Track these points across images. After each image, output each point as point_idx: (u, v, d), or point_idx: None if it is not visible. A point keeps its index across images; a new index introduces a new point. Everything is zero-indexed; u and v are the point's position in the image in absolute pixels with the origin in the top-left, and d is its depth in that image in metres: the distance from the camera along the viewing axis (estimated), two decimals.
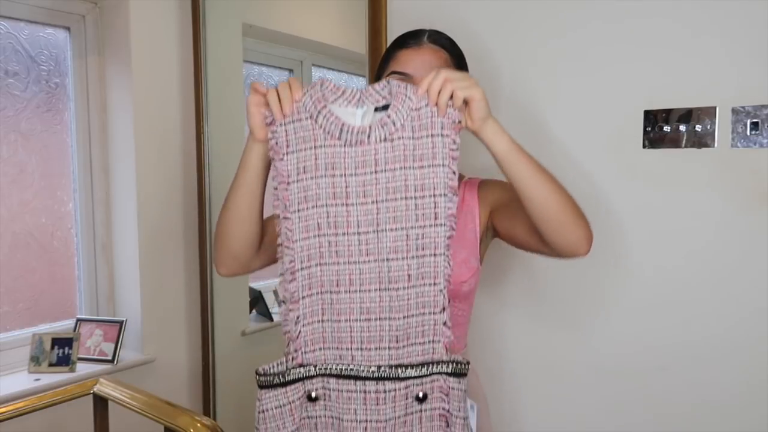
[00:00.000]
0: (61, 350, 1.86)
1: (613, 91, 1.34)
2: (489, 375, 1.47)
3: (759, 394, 1.22)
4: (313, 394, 0.96)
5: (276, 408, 0.96)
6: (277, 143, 0.95)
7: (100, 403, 1.41)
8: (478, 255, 1.14)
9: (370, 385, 0.94)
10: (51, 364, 1.84)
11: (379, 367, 0.95)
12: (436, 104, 0.92)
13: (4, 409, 1.32)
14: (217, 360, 2.10)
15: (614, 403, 1.38)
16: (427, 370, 0.95)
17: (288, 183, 0.95)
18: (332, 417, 0.97)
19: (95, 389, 1.40)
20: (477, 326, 1.49)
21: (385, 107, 0.94)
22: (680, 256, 1.29)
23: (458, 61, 1.15)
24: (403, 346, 0.95)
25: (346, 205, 0.94)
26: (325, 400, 0.97)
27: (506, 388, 1.52)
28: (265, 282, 2.32)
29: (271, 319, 2.28)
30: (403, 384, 0.95)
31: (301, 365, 0.96)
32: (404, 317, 0.95)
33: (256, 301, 2.28)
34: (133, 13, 1.93)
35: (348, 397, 0.95)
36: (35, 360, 1.84)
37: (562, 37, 1.39)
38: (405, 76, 1.08)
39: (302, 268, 0.95)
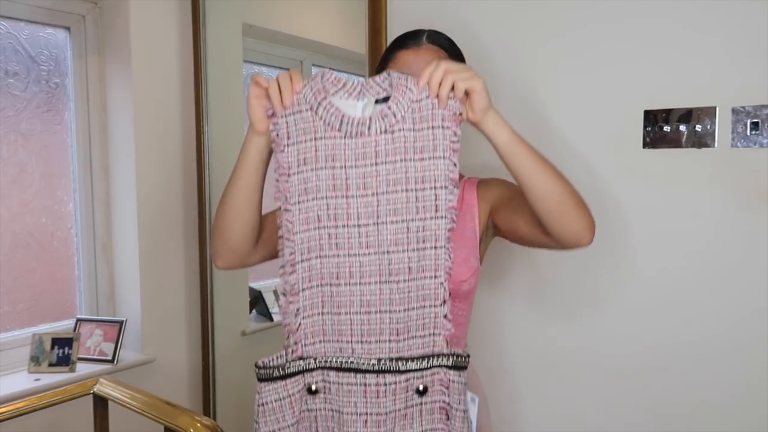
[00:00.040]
0: (61, 350, 1.86)
1: (613, 91, 1.34)
2: (489, 375, 1.47)
3: (759, 394, 1.22)
4: (313, 387, 0.96)
5: (276, 401, 0.96)
6: (278, 135, 0.95)
7: (100, 403, 1.41)
8: (477, 254, 1.14)
9: (371, 378, 0.94)
10: (51, 364, 1.84)
11: (379, 359, 0.94)
12: (437, 96, 0.91)
13: (4, 409, 1.32)
14: (217, 360, 2.10)
15: (614, 403, 1.38)
16: (428, 363, 0.94)
17: (289, 175, 0.95)
18: (332, 410, 0.97)
19: (95, 389, 1.40)
20: (477, 326, 1.49)
21: (386, 99, 0.94)
22: (680, 256, 1.29)
23: (457, 61, 1.15)
24: (404, 339, 0.95)
25: (346, 197, 0.94)
26: (325, 393, 0.97)
27: (506, 388, 1.52)
28: (265, 282, 2.32)
29: (271, 319, 2.28)
30: (403, 377, 0.94)
31: (301, 358, 0.96)
32: (405, 310, 0.94)
33: (256, 301, 2.28)
34: (133, 13, 1.93)
35: (348, 390, 0.95)
36: (35, 360, 1.84)
37: (562, 37, 1.39)
38: None
39: (302, 260, 0.95)
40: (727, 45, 1.21)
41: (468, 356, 0.96)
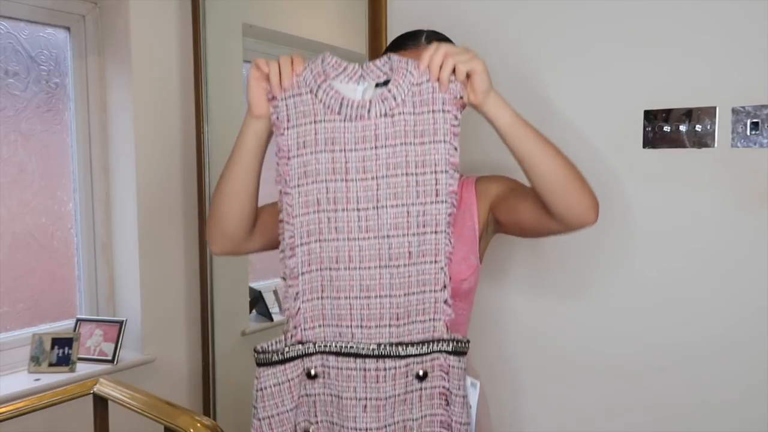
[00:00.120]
0: (61, 350, 1.86)
1: (613, 91, 1.34)
2: (489, 375, 1.47)
3: (759, 394, 1.22)
4: (313, 372, 0.96)
5: (274, 386, 0.96)
6: (278, 118, 0.94)
7: (100, 403, 1.41)
8: (477, 253, 1.14)
9: (370, 363, 0.94)
10: (51, 364, 1.84)
11: (379, 344, 0.94)
12: (438, 79, 0.91)
13: (4, 409, 1.32)
14: (217, 360, 2.10)
15: (614, 403, 1.38)
16: (428, 348, 0.94)
17: (288, 158, 0.94)
18: (331, 395, 0.97)
19: (95, 389, 1.40)
20: (477, 326, 1.49)
21: (386, 83, 0.93)
22: (680, 256, 1.29)
23: None
24: (404, 324, 0.94)
25: (346, 180, 0.93)
26: (324, 377, 0.96)
27: (507, 389, 1.52)
28: (265, 282, 2.32)
29: (271, 319, 2.28)
30: (403, 362, 0.94)
31: (300, 342, 0.95)
32: (405, 295, 0.94)
33: (256, 301, 2.28)
34: (133, 13, 1.93)
35: (348, 374, 0.95)
36: (35, 360, 1.84)
37: (562, 37, 1.39)
38: None
39: (302, 244, 0.95)
40: (727, 45, 1.21)
41: (468, 341, 0.96)
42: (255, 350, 0.96)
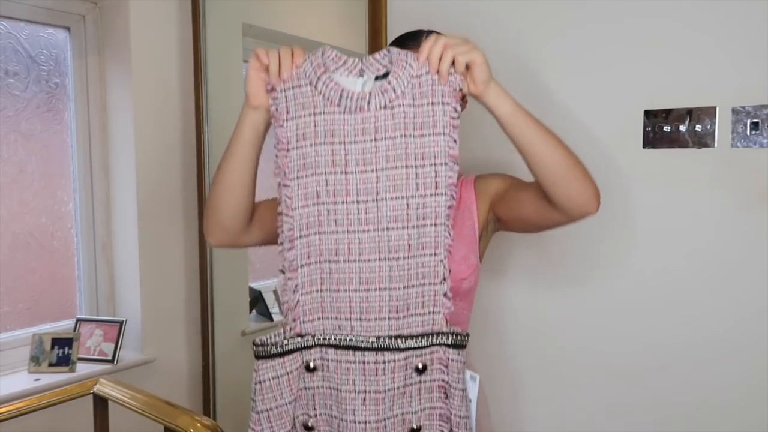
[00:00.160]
0: (61, 350, 1.86)
1: (613, 91, 1.34)
2: (489, 374, 1.47)
3: (759, 394, 1.22)
4: (312, 365, 0.95)
5: (273, 378, 0.96)
6: (277, 109, 0.94)
7: (100, 403, 1.41)
8: (477, 252, 1.14)
9: (369, 356, 0.94)
10: (51, 364, 1.84)
11: (378, 337, 0.94)
12: (438, 71, 0.91)
13: (4, 409, 1.32)
14: (217, 360, 2.10)
15: (614, 403, 1.38)
16: (427, 341, 0.94)
17: (287, 150, 0.94)
18: (330, 388, 0.96)
19: (95, 389, 1.40)
20: (477, 325, 1.49)
21: (386, 75, 0.93)
22: (680, 256, 1.29)
23: None
24: (403, 317, 0.94)
25: (345, 173, 0.93)
26: (323, 370, 0.96)
27: (507, 389, 1.52)
28: (265, 282, 2.32)
29: (271, 319, 2.28)
30: (402, 355, 0.94)
31: (299, 335, 0.95)
32: (404, 287, 0.94)
33: (256, 301, 2.28)
34: (133, 13, 1.93)
35: (347, 367, 0.94)
36: (35, 360, 1.84)
37: (562, 37, 1.39)
38: None
39: (301, 236, 0.94)
40: (727, 45, 1.21)
41: (467, 335, 0.96)
42: (254, 343, 0.96)
